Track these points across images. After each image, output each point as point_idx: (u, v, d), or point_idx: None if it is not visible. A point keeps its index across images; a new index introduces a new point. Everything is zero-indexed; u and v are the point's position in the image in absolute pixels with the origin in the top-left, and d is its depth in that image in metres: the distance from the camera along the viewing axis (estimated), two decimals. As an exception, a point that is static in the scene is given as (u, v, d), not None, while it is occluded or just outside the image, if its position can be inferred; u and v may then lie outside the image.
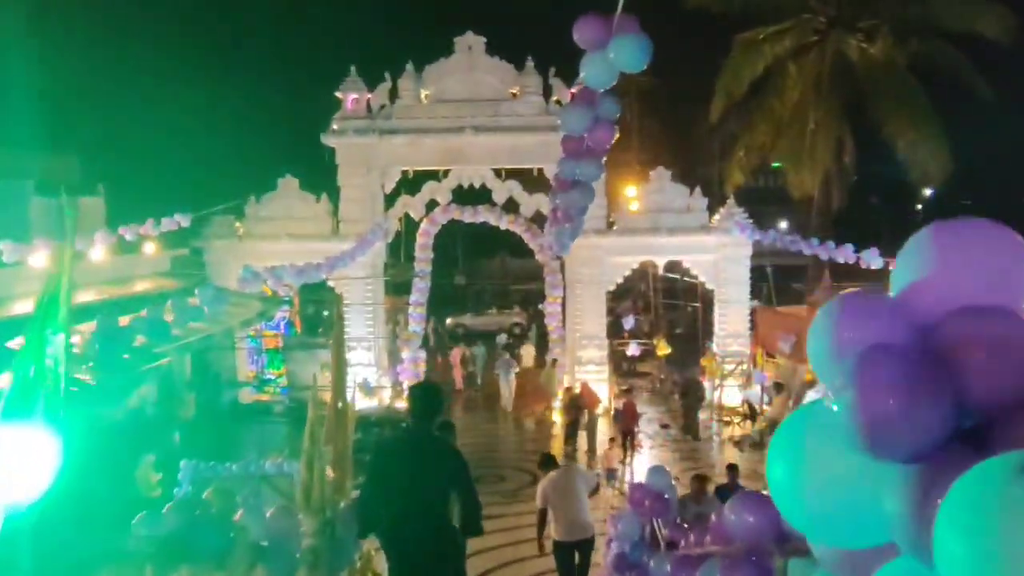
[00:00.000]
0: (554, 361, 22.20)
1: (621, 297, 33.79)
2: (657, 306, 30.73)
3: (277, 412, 23.37)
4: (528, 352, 28.88)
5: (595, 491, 10.50)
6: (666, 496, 6.99)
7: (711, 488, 10.71)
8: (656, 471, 7.48)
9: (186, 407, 19.33)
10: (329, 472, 7.14)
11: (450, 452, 5.85)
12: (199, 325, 18.57)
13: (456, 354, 26.82)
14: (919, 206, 52.90)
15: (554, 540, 9.81)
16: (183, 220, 18.86)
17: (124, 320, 11.30)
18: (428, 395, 5.88)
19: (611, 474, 15.14)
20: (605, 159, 6.58)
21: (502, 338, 30.46)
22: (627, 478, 17.93)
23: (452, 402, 24.73)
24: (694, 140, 55.49)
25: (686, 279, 27.63)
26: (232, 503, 5.23)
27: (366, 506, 5.79)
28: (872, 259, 14.40)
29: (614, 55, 4.67)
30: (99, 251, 16.82)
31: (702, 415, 22.79)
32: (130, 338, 8.23)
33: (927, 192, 52.50)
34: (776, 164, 48.89)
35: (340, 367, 6.02)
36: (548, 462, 10.54)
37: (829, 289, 19.95)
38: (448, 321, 36.37)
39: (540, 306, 27.00)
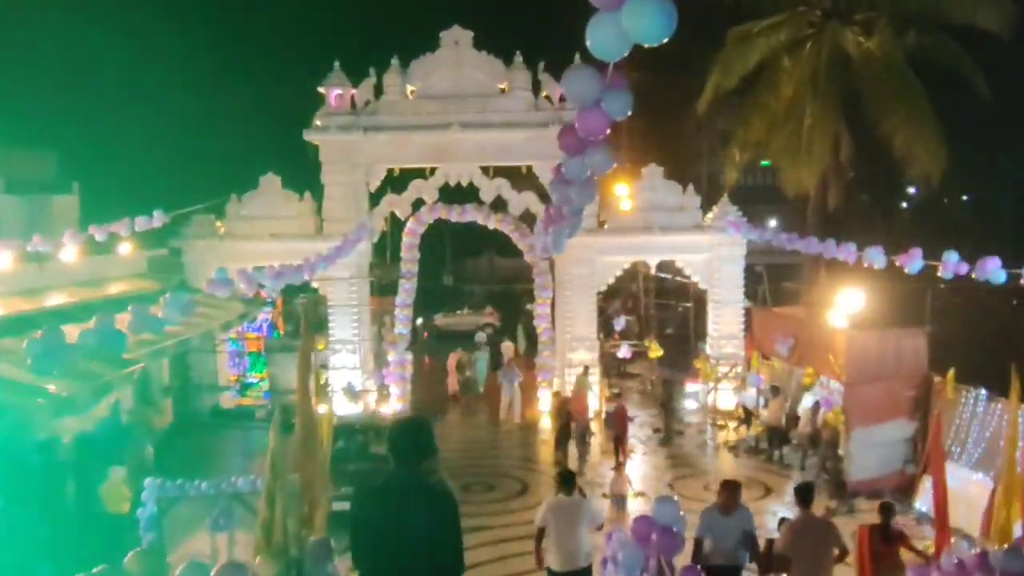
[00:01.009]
0: (586, 368, 21.47)
1: (611, 297, 33.26)
2: (648, 306, 30.24)
3: (259, 417, 22.70)
4: (508, 348, 28.32)
5: (599, 529, 9.88)
6: (675, 529, 6.30)
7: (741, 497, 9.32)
8: (664, 502, 6.74)
9: (162, 413, 18.63)
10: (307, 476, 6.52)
11: (442, 501, 4.95)
12: (175, 328, 18.06)
13: (452, 359, 25.74)
14: (904, 204, 52.63)
15: (548, 567, 9.53)
16: (160, 219, 18.16)
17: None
18: (415, 433, 5.01)
19: (620, 501, 14.46)
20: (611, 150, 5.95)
21: (481, 336, 30.09)
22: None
23: (448, 410, 24.09)
24: (682, 138, 55.35)
25: (678, 279, 27.14)
26: (162, 567, 4.56)
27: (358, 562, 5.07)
28: (875, 258, 13.88)
29: (628, 18, 3.99)
30: (70, 251, 16.14)
31: (695, 418, 22.32)
32: (76, 352, 7.58)
33: (911, 190, 52.51)
34: (765, 162, 48.80)
35: (307, 383, 5.44)
36: (566, 482, 9.80)
37: (825, 289, 19.48)
38: (418, 321, 35.66)
39: (529, 306, 26.31)
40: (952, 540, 8.93)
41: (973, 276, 11.98)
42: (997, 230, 38.91)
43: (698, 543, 8.83)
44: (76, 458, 12.80)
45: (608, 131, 5.36)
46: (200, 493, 8.56)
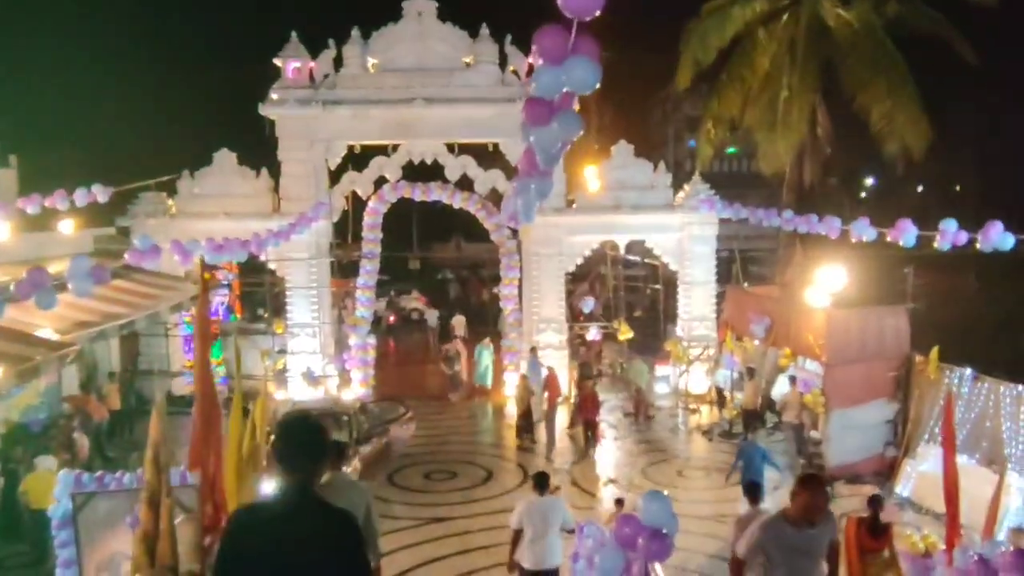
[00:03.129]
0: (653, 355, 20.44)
1: (579, 280, 32.64)
2: (616, 288, 29.54)
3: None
4: (459, 323, 28.03)
5: (570, 532, 9.39)
6: (664, 532, 5.38)
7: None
8: (653, 499, 5.72)
9: (106, 400, 17.60)
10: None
11: (337, 522, 3.92)
12: (122, 309, 17.03)
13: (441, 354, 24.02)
14: (863, 194, 52.56)
15: (521, 565, 9.28)
16: (101, 193, 17.09)
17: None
18: (301, 437, 3.99)
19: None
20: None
21: (432, 314, 30.28)
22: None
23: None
24: (648, 126, 55.00)
25: (647, 261, 26.50)
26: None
27: None
28: (864, 231, 13.18)
29: None
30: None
31: (666, 402, 21.68)
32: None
33: (870, 181, 52.57)
34: (731, 149, 48.51)
35: (207, 357, 4.69)
36: (540, 483, 9.46)
37: (803, 268, 18.87)
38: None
39: (496, 289, 25.47)
40: (962, 534, 8.26)
41: (977, 245, 11.24)
42: (958, 217, 38.53)
43: (737, 567, 6.40)
44: (2, 448, 11.83)
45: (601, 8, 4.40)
46: (121, 486, 7.62)
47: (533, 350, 21.36)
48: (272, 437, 4.25)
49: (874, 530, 9.58)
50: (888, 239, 12.83)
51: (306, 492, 3.88)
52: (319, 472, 4.02)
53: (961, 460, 13.22)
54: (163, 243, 19.67)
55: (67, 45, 26.97)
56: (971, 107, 38.92)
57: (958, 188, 51.78)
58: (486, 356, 23.20)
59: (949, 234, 11.52)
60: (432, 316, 30.60)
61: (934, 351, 14.75)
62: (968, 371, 14.04)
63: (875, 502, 9.73)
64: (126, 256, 11.98)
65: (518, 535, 9.24)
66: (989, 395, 13.51)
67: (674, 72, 21.23)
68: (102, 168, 21.83)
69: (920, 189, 51.84)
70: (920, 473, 14.26)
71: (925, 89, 18.69)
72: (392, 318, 33.56)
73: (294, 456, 3.89)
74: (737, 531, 8.45)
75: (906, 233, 12.33)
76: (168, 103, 29.51)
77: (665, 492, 6.18)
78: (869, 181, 54.02)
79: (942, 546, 9.29)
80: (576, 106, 5.81)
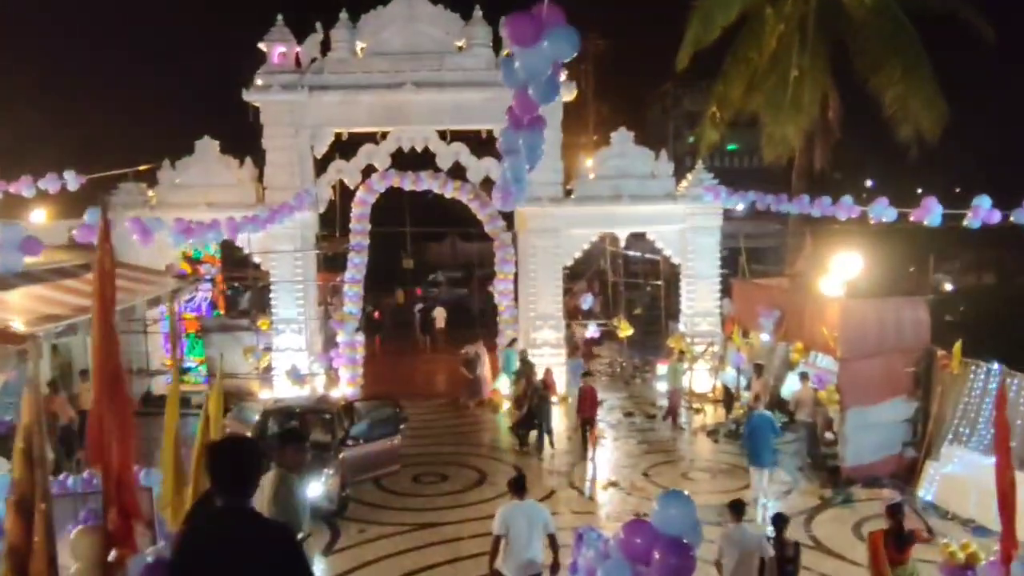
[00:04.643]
0: (681, 354, 19.47)
1: (576, 277, 31.76)
2: (615, 285, 28.67)
3: (196, 404, 20.68)
4: (440, 314, 28.40)
5: (551, 539, 8.76)
6: (685, 542, 4.37)
7: None
8: (672, 500, 4.76)
9: (78, 399, 16.64)
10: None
11: (276, 539, 4.07)
12: (86, 303, 16.07)
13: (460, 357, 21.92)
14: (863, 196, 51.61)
15: (501, 573, 8.64)
16: (72, 181, 16.09)
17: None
18: (236, 458, 4.18)
19: None
20: None
21: (418, 305, 30.85)
22: (588, 475, 15.71)
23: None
24: (648, 122, 54.35)
25: (647, 256, 25.59)
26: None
27: None
28: (883, 212, 12.22)
29: None
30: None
31: (667, 401, 20.73)
32: None
33: (868, 183, 51.84)
34: (731, 146, 47.74)
35: (110, 338, 4.00)
36: (518, 487, 8.94)
37: (814, 257, 17.95)
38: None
39: (490, 287, 24.51)
40: (1019, 547, 7.30)
41: (1011, 220, 10.30)
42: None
43: None
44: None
45: None
46: (65, 490, 6.77)
47: (575, 350, 20.43)
48: (205, 458, 4.42)
49: (900, 542, 8.74)
50: (911, 219, 11.87)
51: (242, 512, 4.01)
52: (252, 491, 4.14)
53: (988, 461, 12.30)
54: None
55: (44, 30, 26.03)
56: (983, 98, 37.95)
57: (958, 191, 50.98)
58: (514, 360, 20.55)
59: (982, 211, 10.54)
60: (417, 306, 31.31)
61: (957, 345, 13.78)
62: (996, 366, 13.09)
63: (896, 511, 8.84)
64: (73, 233, 10.97)
65: (498, 542, 8.65)
66: (1020, 391, 12.56)
67: (674, 65, 20.31)
68: (79, 157, 20.94)
69: (919, 191, 51.01)
70: (944, 476, 13.29)
71: (940, 72, 17.81)
72: (377, 313, 32.66)
73: (227, 479, 4.04)
74: (722, 546, 8.85)
75: (932, 212, 11.34)
76: (148, 89, 28.58)
77: (686, 492, 5.19)
78: (868, 183, 53.36)
79: (984, 556, 8.35)
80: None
